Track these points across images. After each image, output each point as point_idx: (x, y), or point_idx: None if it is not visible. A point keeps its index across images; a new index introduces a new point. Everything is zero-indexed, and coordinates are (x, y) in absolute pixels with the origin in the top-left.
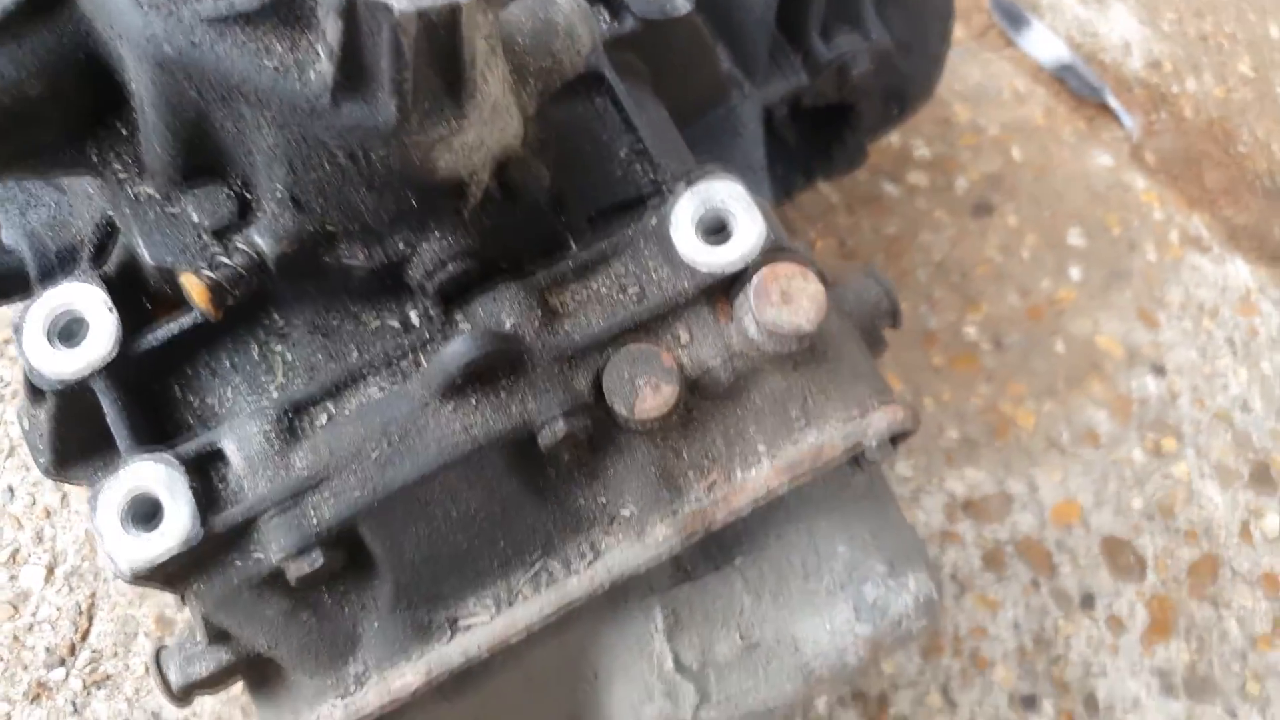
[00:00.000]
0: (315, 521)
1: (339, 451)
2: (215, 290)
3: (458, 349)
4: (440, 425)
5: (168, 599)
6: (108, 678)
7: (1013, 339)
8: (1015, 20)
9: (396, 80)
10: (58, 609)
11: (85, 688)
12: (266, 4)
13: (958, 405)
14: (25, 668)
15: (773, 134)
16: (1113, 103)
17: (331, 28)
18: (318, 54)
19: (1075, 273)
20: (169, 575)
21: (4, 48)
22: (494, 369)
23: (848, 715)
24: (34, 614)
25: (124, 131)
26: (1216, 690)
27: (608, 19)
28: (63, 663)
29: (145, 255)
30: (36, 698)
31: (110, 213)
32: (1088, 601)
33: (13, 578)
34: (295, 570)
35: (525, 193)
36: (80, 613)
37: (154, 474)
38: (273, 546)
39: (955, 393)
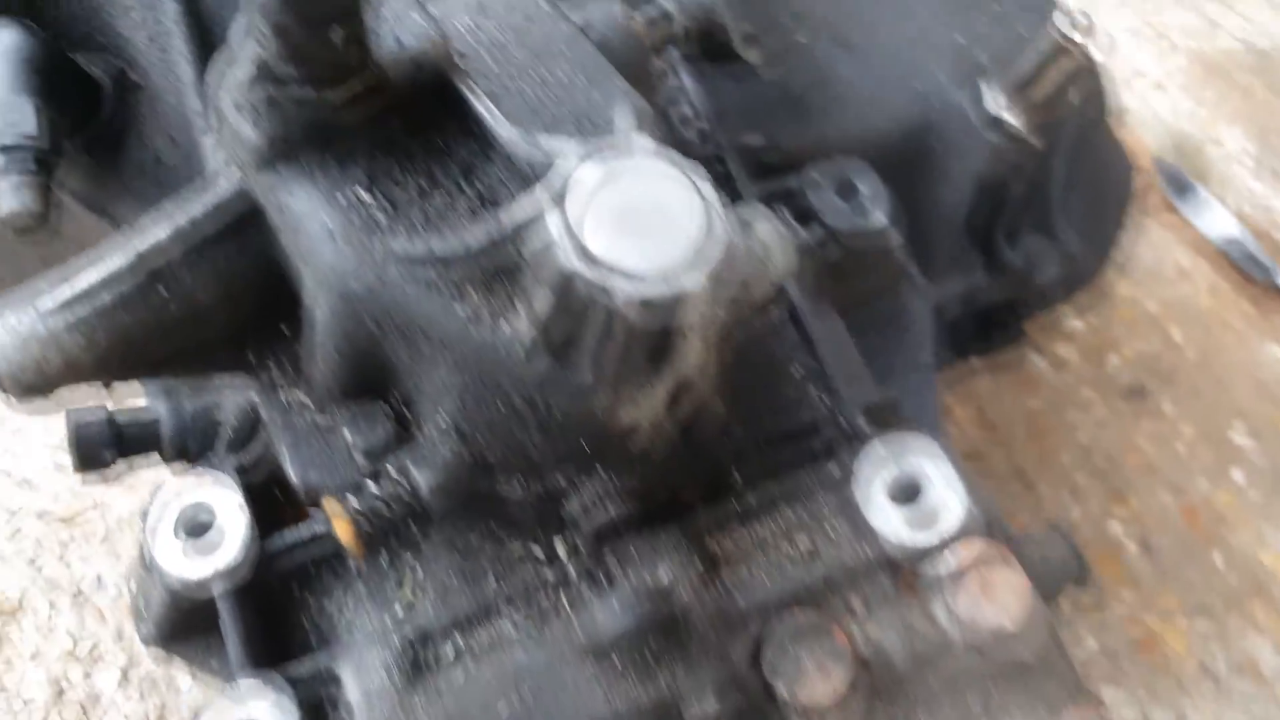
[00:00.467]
0: None
1: (466, 702)
2: (360, 528)
3: (612, 618)
4: (580, 689)
5: None
6: None
7: (1163, 543)
8: (1181, 187)
9: (598, 354)
10: (125, 717)
11: None
12: (468, 251)
13: (1097, 612)
14: None
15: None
16: None
17: (540, 298)
18: (516, 310)
19: (1238, 475)
20: None
21: (187, 258)
22: (646, 635)
23: None
24: (103, 718)
25: (286, 332)
26: None
27: (795, 224)
28: None
29: (290, 471)
30: None
31: (260, 410)
32: None
33: (87, 675)
34: None
35: (698, 429)
36: None
37: (263, 706)
38: None
39: (1095, 597)
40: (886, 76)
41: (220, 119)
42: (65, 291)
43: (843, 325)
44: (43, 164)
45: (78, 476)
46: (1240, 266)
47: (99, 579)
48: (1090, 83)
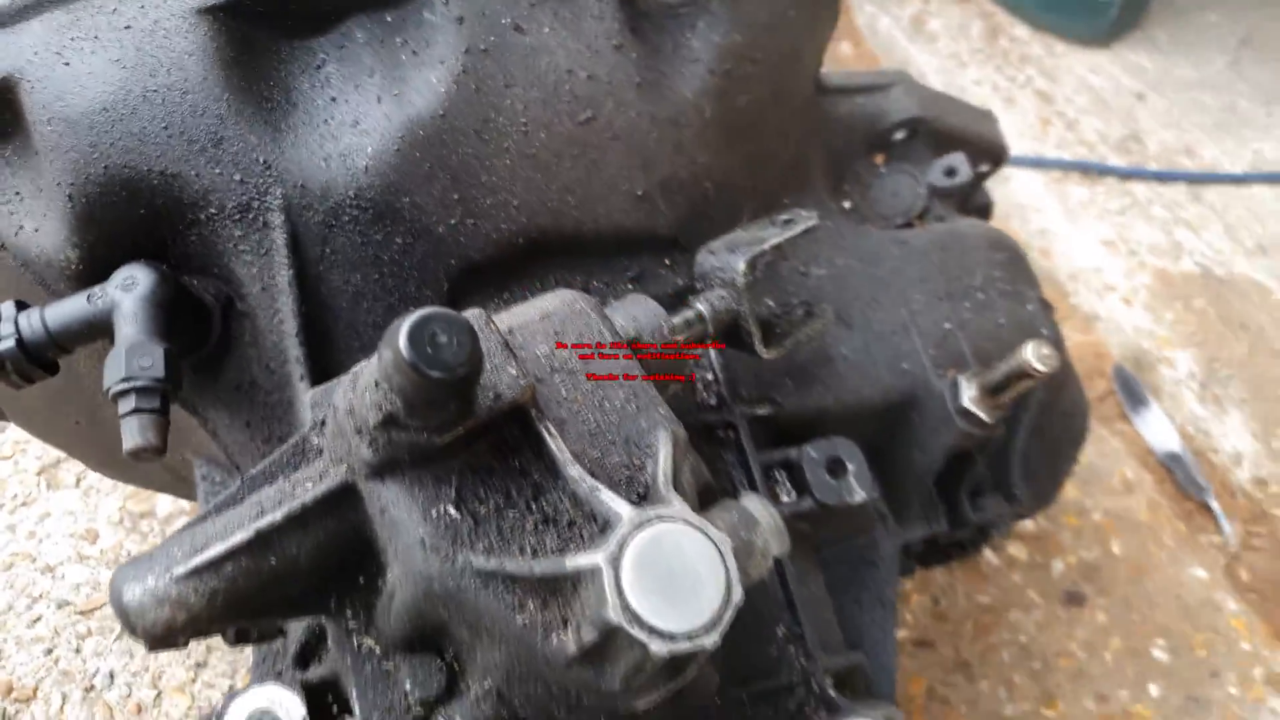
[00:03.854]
0: None
1: None
2: None
3: None
4: None
5: None
6: None
7: None
8: (1135, 398)
9: (629, 676)
10: None
11: None
12: (532, 575)
13: None
14: None
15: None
16: (1215, 507)
17: (587, 630)
18: (564, 625)
19: (1154, 689)
20: None
21: (295, 532)
22: None
23: None
24: None
25: (362, 582)
26: None
27: (790, 493)
28: None
29: (358, 711)
30: None
31: (330, 641)
32: None
33: None
34: None
35: (694, 695)
36: None
37: None
38: None
39: None
40: (880, 355)
41: (339, 434)
42: (196, 560)
43: (823, 586)
44: (165, 400)
45: (98, 567)
46: (1179, 482)
47: (111, 675)
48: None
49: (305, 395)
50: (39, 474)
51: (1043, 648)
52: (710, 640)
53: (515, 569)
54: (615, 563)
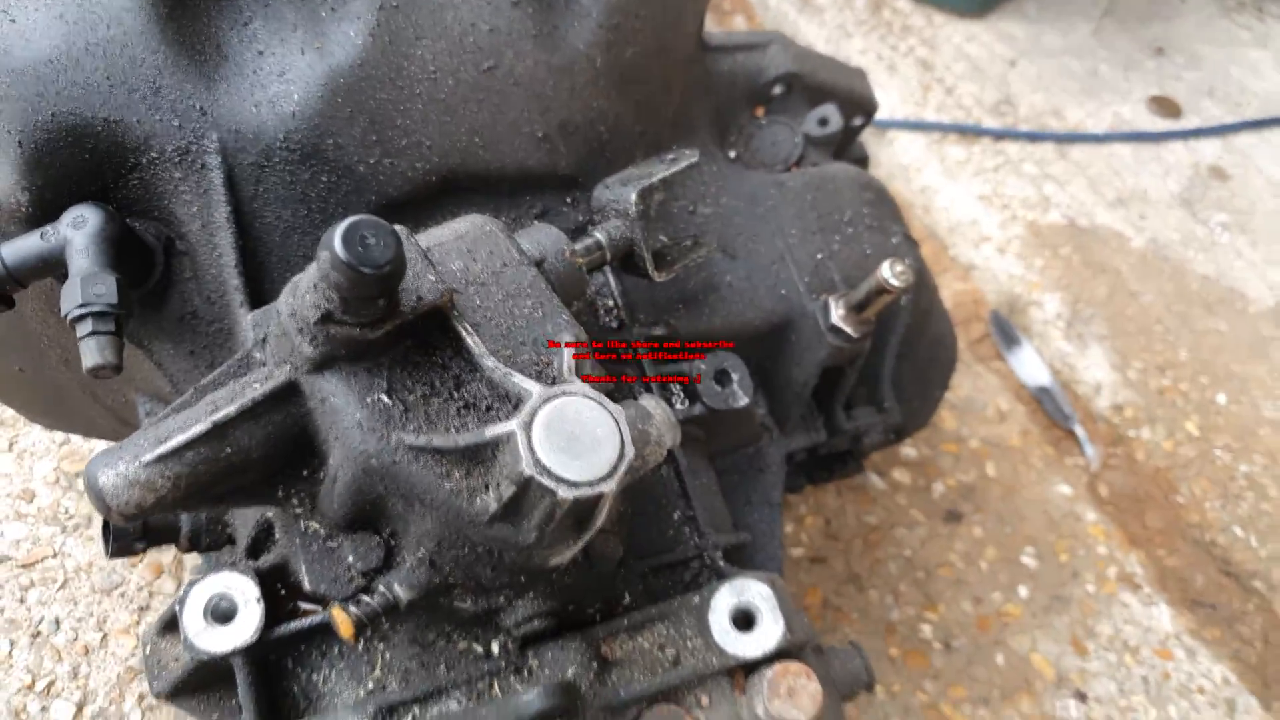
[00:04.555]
0: None
1: None
2: (359, 626)
3: (531, 700)
4: None
5: None
6: None
7: (960, 643)
8: (1009, 338)
9: (541, 525)
10: None
11: None
12: (458, 447)
13: (905, 698)
14: None
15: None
16: (1079, 432)
17: (506, 486)
18: (486, 488)
19: (1023, 591)
20: None
21: (246, 424)
22: (554, 709)
23: None
24: None
25: (305, 474)
26: None
27: (684, 401)
28: None
29: (305, 581)
30: None
31: (275, 522)
32: None
33: (44, 709)
34: None
35: (602, 561)
36: None
37: None
38: None
39: (904, 686)
40: (761, 283)
41: (284, 333)
42: (161, 448)
43: (714, 478)
44: (119, 324)
45: (37, 524)
46: (1048, 412)
47: (57, 621)
48: (918, 290)
49: (246, 318)
50: None
51: (925, 560)
52: (608, 487)
53: (442, 443)
54: (527, 427)
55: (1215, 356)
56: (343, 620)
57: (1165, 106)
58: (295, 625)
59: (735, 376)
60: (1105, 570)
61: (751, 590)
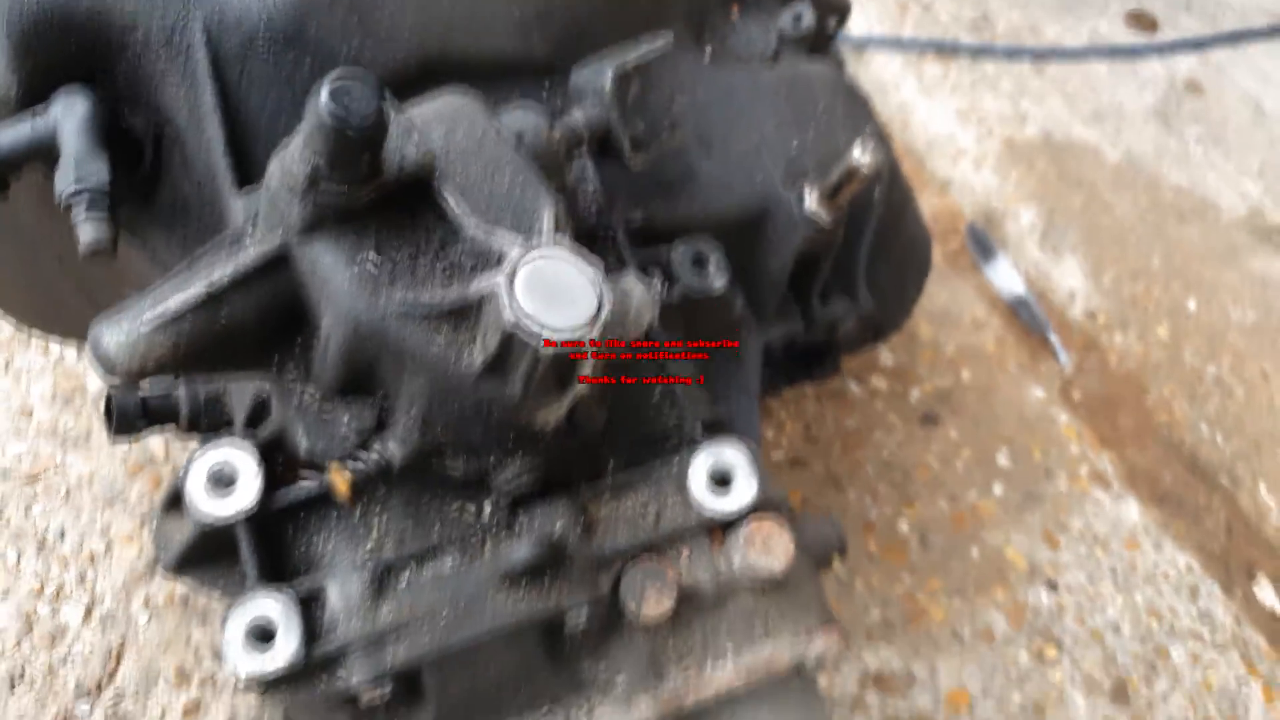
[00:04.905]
0: (391, 661)
1: (417, 610)
2: (354, 486)
3: (521, 551)
4: (496, 603)
5: (189, 653)
6: (128, 716)
7: (936, 539)
8: (985, 250)
9: (526, 378)
10: (91, 646)
11: None
12: (445, 305)
13: (883, 590)
14: (56, 696)
15: (767, 357)
16: (1053, 339)
17: (491, 339)
18: (473, 345)
19: (998, 489)
20: (269, 683)
21: (239, 291)
22: (543, 567)
23: None
24: (69, 648)
25: (299, 342)
26: None
27: (662, 283)
28: (89, 696)
29: (303, 445)
30: None
31: (272, 395)
32: None
33: (54, 612)
34: (368, 696)
35: (585, 427)
36: (110, 653)
37: (274, 607)
38: (355, 675)
39: (882, 579)
40: (736, 172)
41: (273, 198)
42: (160, 311)
43: (692, 361)
44: (113, 205)
45: (37, 440)
46: (1023, 321)
47: (62, 531)
48: (891, 182)
49: (235, 200)
50: None
51: (902, 461)
52: (587, 334)
53: (429, 301)
54: (510, 280)
55: (1187, 264)
56: (339, 480)
57: (1142, 21)
58: (294, 493)
59: (712, 260)
60: (1077, 469)
61: (728, 453)
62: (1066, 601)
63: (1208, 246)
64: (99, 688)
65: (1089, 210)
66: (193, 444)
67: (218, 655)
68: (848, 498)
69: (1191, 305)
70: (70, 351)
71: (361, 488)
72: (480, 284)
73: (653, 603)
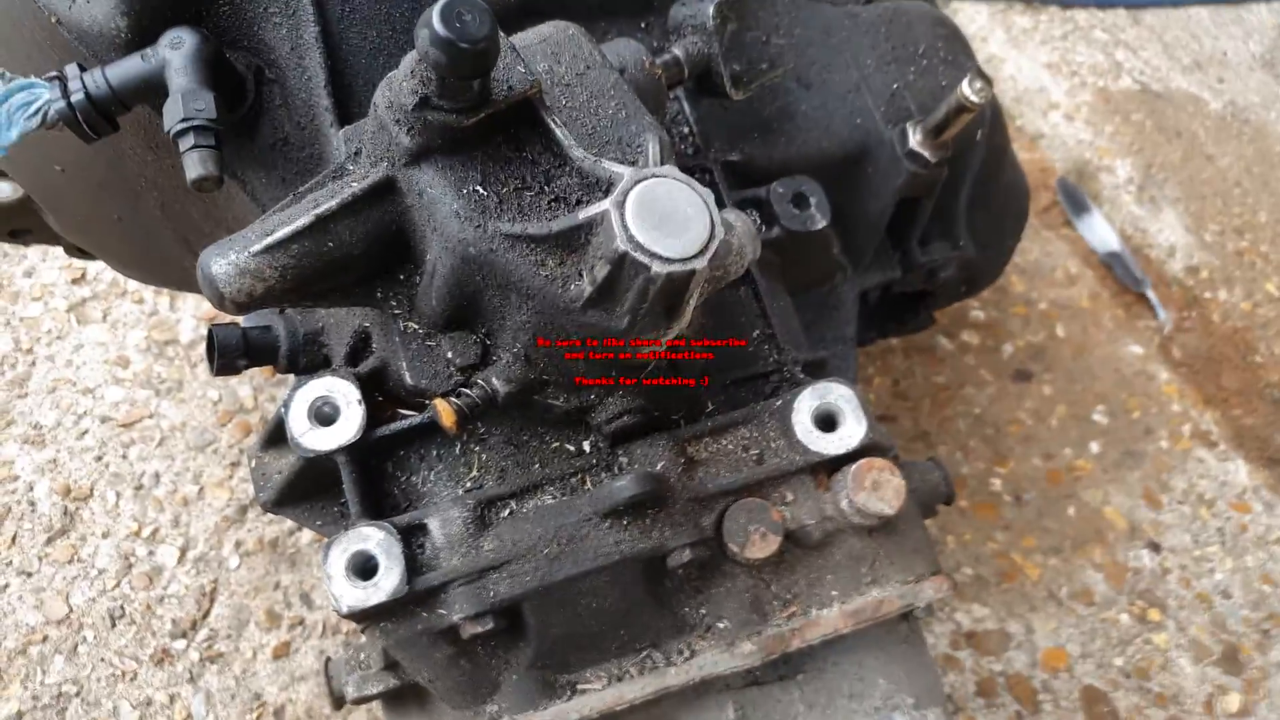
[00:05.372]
0: (492, 595)
1: (519, 544)
2: (460, 415)
3: (624, 485)
4: (598, 538)
5: (279, 597)
6: (220, 655)
7: (1031, 496)
8: (1078, 205)
9: (635, 308)
10: (185, 587)
11: (201, 660)
12: (553, 233)
13: (975, 547)
14: (154, 634)
15: (861, 306)
16: (1151, 296)
17: (600, 267)
18: (580, 275)
19: (1095, 447)
20: (370, 616)
21: (346, 220)
22: (645, 503)
23: None
24: (165, 588)
25: (402, 277)
26: None
27: (761, 224)
28: (185, 635)
29: (406, 377)
30: (160, 662)
31: (371, 329)
32: None
33: (151, 553)
34: (469, 629)
35: (686, 366)
36: (204, 594)
37: (376, 538)
38: (456, 609)
39: (975, 535)
40: (836, 111)
41: (381, 126)
42: (268, 239)
43: (790, 303)
44: (219, 140)
45: (133, 388)
46: (1118, 277)
47: (157, 476)
48: (993, 124)
49: (337, 136)
50: (68, 311)
51: (995, 417)
52: (699, 264)
53: (536, 230)
54: (620, 205)
55: None
56: (445, 410)
57: None
58: (395, 426)
59: (813, 200)
60: (1179, 427)
61: (835, 393)
62: (1170, 563)
63: None
64: (194, 626)
65: (1190, 163)
66: (282, 394)
67: (306, 600)
68: (937, 453)
69: None
70: (164, 303)
71: (467, 418)
72: (590, 210)
73: (757, 544)
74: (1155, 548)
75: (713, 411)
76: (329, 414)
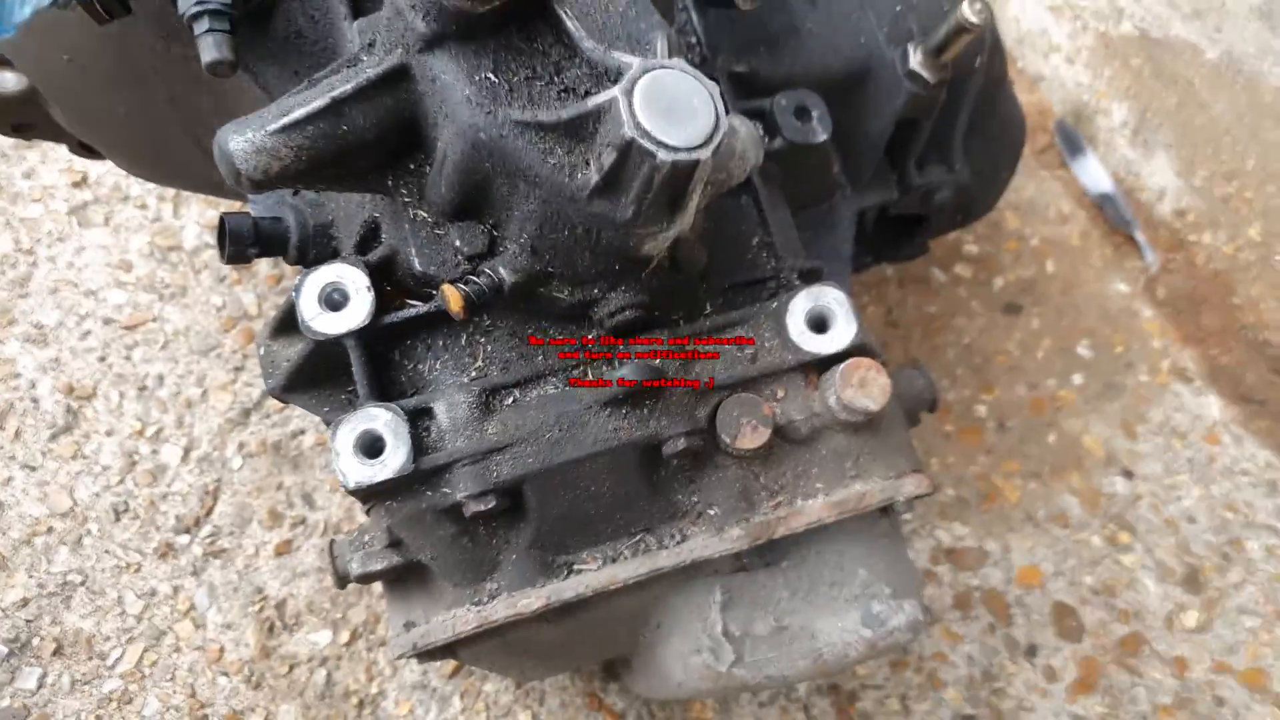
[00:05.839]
0: (496, 475)
1: (521, 429)
2: (468, 300)
3: (624, 373)
4: (598, 425)
5: (281, 497)
6: (224, 551)
7: (1014, 423)
8: (1073, 146)
9: (640, 197)
10: (189, 486)
11: (204, 555)
12: (562, 120)
13: (958, 470)
14: (158, 529)
15: (859, 228)
16: (1139, 237)
17: (606, 155)
18: (587, 163)
19: (1078, 378)
20: (374, 493)
21: (360, 104)
22: (644, 392)
23: (823, 702)
24: (169, 485)
25: (413, 166)
26: None
27: (763, 134)
28: (188, 531)
29: (415, 263)
30: (164, 555)
31: (380, 219)
32: (1031, 651)
33: (154, 451)
34: (472, 508)
35: (687, 266)
36: (207, 493)
37: (384, 418)
38: (460, 487)
39: (958, 458)
40: (841, 29)
41: (397, 12)
42: (284, 119)
43: (789, 214)
44: (233, 25)
45: (136, 291)
46: (1108, 218)
47: (160, 378)
48: (991, 53)
49: (350, 27)
50: (69, 214)
51: (983, 347)
52: (704, 154)
53: (546, 117)
54: (629, 94)
55: None
56: (453, 295)
57: None
58: (404, 313)
59: (815, 113)
60: (1159, 363)
61: (828, 295)
62: (1143, 490)
63: None
64: (197, 523)
65: (1184, 109)
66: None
67: (309, 500)
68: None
69: None
70: (167, 209)
71: (474, 305)
72: (599, 98)
73: (748, 435)
74: (1129, 475)
75: (711, 313)
76: (338, 300)
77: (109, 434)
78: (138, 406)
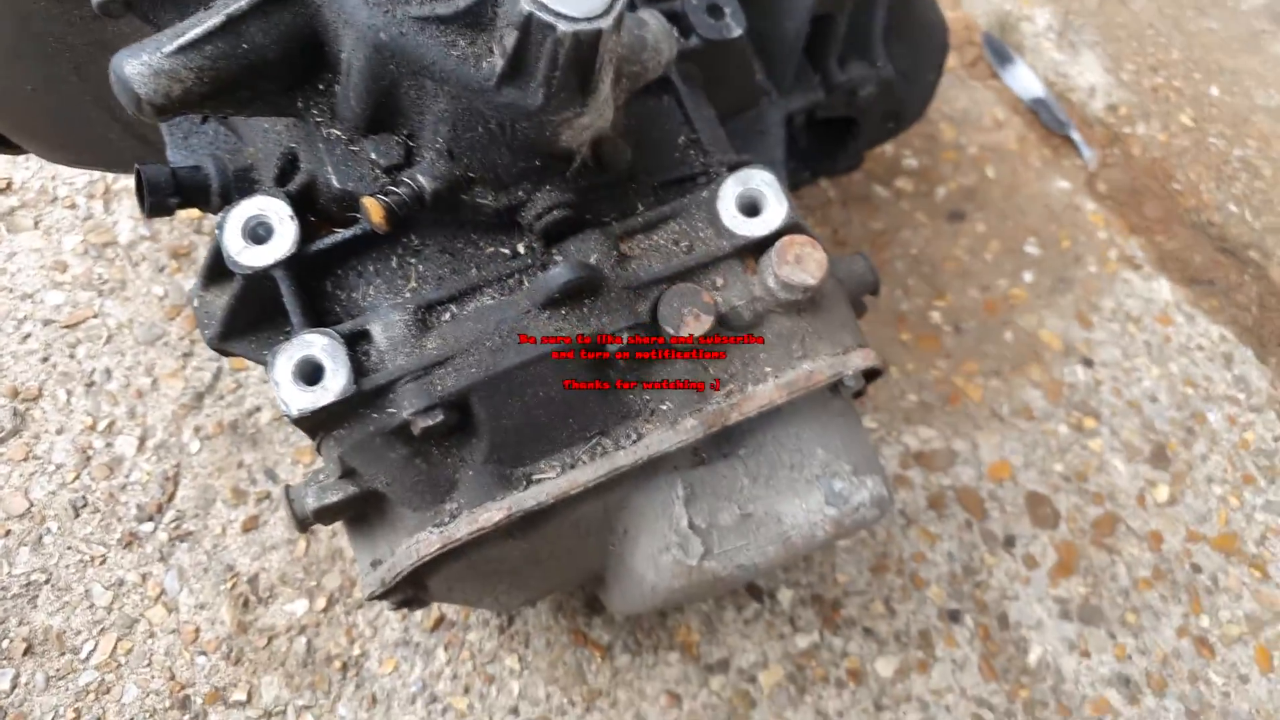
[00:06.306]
0: (440, 389)
1: (461, 340)
2: (389, 210)
3: (558, 273)
4: (538, 328)
5: (243, 474)
6: (189, 534)
7: (970, 326)
8: (1001, 56)
9: (547, 77)
10: (148, 474)
11: (170, 540)
12: (459, 10)
13: (919, 375)
14: (119, 520)
15: (789, 137)
16: (1075, 137)
17: (508, 36)
18: (491, 51)
19: (1028, 276)
20: (319, 421)
21: (257, 22)
22: (581, 291)
23: (807, 613)
24: (127, 476)
25: (322, 87)
26: (1103, 618)
27: (678, 35)
28: (151, 519)
29: (333, 181)
30: (129, 545)
31: (297, 148)
32: (1009, 541)
33: (109, 444)
34: (420, 423)
35: (612, 164)
36: (167, 479)
37: (320, 344)
38: (405, 405)
39: (918, 365)
40: None
41: None
42: (181, 40)
43: (715, 114)
44: None
45: (74, 290)
46: (1044, 122)
47: (108, 371)
48: None
49: None
50: None
51: (931, 256)
52: (604, 23)
53: (444, 9)
54: None
55: (1207, 54)
56: (373, 206)
57: None
58: (331, 239)
59: (727, 9)
60: (1106, 253)
61: (757, 178)
62: (1103, 376)
63: (1229, 35)
64: (159, 510)
65: (1105, 7)
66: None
67: (271, 474)
68: (878, 295)
69: (1214, 92)
70: (97, 206)
71: (395, 215)
72: None
73: (690, 323)
74: (1088, 363)
75: (643, 211)
76: (262, 234)
77: (60, 432)
78: (87, 402)
